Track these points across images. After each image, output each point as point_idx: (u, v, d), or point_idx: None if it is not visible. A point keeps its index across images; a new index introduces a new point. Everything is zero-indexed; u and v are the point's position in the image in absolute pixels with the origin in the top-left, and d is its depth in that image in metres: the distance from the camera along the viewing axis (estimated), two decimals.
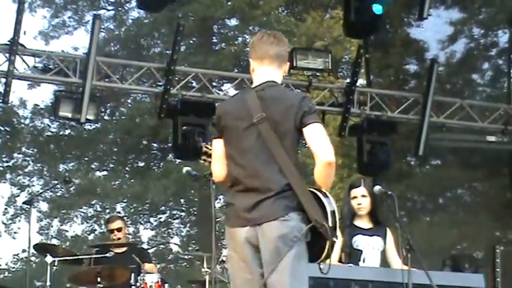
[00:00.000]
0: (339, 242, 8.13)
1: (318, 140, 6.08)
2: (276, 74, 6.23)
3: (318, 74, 13.67)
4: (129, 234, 12.20)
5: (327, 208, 6.16)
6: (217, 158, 6.27)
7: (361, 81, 14.28)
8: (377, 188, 8.30)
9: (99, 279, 10.43)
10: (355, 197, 8.34)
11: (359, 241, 8.29)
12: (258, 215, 6.05)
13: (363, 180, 8.70)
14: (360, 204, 8.29)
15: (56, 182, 24.84)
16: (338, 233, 8.07)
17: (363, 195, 8.32)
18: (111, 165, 25.80)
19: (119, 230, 11.20)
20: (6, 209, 26.06)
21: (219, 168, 6.26)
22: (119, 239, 11.24)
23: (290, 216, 5.98)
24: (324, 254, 6.20)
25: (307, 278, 6.32)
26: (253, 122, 6.00)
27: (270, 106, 6.01)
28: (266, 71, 6.17)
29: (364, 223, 8.37)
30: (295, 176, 6.11)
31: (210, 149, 6.55)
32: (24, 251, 21.49)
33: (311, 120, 6.02)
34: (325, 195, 6.20)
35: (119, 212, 24.70)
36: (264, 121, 5.97)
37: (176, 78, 13.24)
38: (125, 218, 12.20)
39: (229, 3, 23.69)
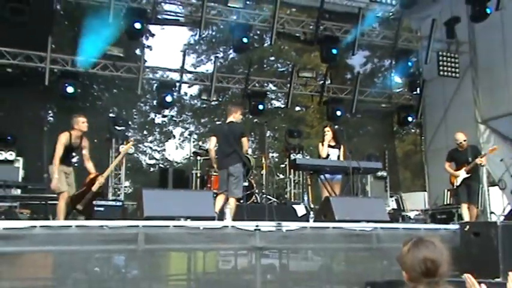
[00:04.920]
0: (325, 151, 8.13)
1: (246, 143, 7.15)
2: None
3: (309, 78, 13.49)
4: None
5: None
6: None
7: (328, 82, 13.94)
8: (336, 126, 8.30)
9: None
10: (325, 133, 8.23)
11: (329, 151, 8.20)
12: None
13: (328, 124, 8.68)
14: (327, 135, 8.20)
15: (200, 127, 24.75)
16: (321, 147, 8.10)
17: (328, 130, 8.26)
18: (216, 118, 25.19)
19: None
20: (179, 138, 25.67)
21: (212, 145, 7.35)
22: None
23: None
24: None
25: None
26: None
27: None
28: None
29: (332, 142, 8.25)
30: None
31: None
32: (188, 154, 21.30)
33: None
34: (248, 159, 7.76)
35: None
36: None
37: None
38: None
39: None
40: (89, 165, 7.17)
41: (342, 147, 8.25)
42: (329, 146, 8.19)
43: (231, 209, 6.89)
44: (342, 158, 8.16)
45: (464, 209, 8.21)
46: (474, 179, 8.37)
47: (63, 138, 6.96)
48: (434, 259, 2.25)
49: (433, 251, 2.27)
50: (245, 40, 11.45)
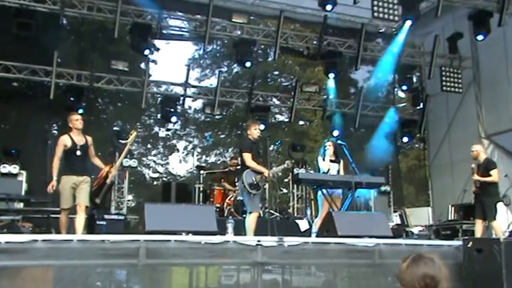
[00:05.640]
0: (326, 166, 8.06)
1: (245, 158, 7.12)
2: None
3: (313, 93, 13.47)
4: None
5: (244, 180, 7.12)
6: None
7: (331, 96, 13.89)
8: (339, 141, 8.24)
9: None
10: (327, 148, 8.19)
11: (330, 165, 8.15)
12: None
13: (330, 140, 8.60)
14: (328, 150, 8.15)
15: (204, 140, 24.62)
16: (322, 162, 8.04)
17: (330, 145, 8.20)
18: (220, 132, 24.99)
19: None
20: (183, 151, 25.59)
21: None
22: None
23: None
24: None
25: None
26: None
27: None
28: None
29: (332, 157, 8.22)
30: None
31: None
32: (191, 168, 21.18)
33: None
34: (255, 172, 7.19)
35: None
36: None
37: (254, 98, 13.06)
38: None
39: None
40: (97, 162, 6.99)
41: (341, 162, 8.26)
42: (330, 160, 8.19)
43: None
44: (342, 173, 8.17)
45: (477, 225, 8.12)
46: (484, 194, 8.20)
47: (61, 140, 6.72)
48: (433, 275, 2.25)
49: (432, 267, 2.28)
50: (248, 64, 11.59)
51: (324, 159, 8.19)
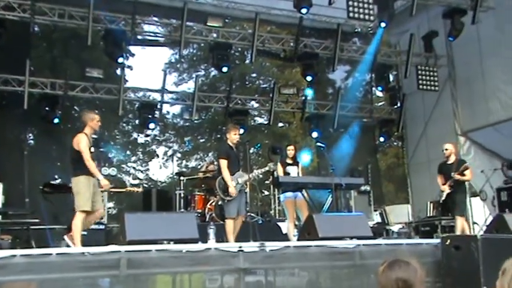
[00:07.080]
0: (281, 169, 8.17)
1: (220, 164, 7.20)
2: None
3: (291, 95, 13.50)
4: None
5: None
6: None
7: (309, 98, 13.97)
8: (318, 144, 8.36)
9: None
10: (289, 151, 8.34)
11: (288, 168, 8.25)
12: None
13: (292, 143, 8.87)
14: (290, 152, 8.24)
15: (183, 144, 24.49)
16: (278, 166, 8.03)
17: (292, 149, 8.29)
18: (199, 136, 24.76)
19: None
20: (163, 157, 25.33)
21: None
22: None
23: None
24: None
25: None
26: None
27: None
28: None
29: (290, 160, 8.29)
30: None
31: None
32: (172, 173, 20.99)
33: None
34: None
35: None
36: None
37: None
38: None
39: None
40: None
41: (299, 164, 8.45)
42: (288, 164, 8.33)
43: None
44: (300, 175, 8.39)
45: (457, 222, 8.32)
46: (456, 191, 8.41)
47: (84, 138, 6.30)
48: (406, 279, 2.31)
49: (406, 271, 2.33)
50: (224, 70, 11.64)
51: (283, 163, 8.37)
